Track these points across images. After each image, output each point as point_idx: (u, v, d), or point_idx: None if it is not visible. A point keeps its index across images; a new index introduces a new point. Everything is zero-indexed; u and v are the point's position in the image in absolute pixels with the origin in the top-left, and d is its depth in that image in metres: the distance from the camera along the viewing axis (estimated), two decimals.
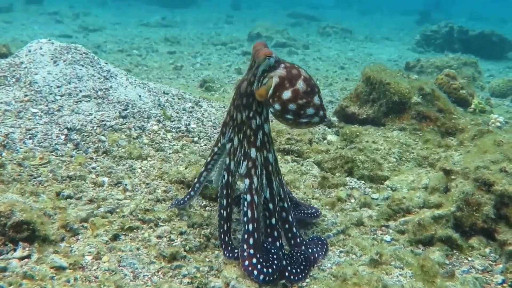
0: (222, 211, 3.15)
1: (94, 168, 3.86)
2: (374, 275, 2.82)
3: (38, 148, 3.95)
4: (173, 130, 4.63)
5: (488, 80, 10.21)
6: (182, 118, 4.90)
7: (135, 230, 3.20)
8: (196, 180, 3.41)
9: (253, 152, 2.96)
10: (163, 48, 12.72)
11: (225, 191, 3.13)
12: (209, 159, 3.32)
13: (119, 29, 16.60)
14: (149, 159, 4.16)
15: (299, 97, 2.68)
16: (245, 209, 2.95)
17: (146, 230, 3.22)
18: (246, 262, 2.83)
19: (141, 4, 26.18)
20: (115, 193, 3.57)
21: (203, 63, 11.15)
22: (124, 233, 3.15)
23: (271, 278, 2.79)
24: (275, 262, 2.85)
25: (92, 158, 4.00)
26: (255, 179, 2.95)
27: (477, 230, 3.34)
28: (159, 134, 4.52)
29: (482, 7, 28.43)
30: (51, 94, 4.42)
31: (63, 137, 4.10)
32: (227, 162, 3.13)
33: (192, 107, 5.22)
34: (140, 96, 4.85)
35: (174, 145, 4.47)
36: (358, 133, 4.85)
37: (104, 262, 2.85)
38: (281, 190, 3.15)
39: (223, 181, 3.15)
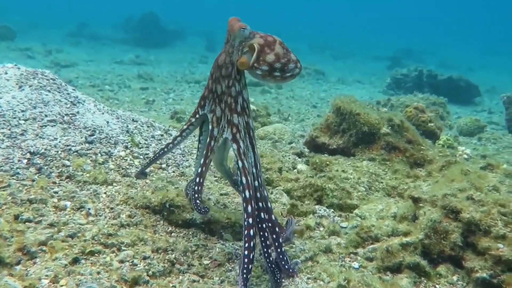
0: (199, 168, 3.21)
1: (56, 192, 3.74)
2: None
3: None
4: (141, 157, 4.55)
5: (456, 120, 10.44)
6: (150, 145, 4.82)
7: (96, 254, 3.09)
8: (170, 141, 3.55)
9: (235, 118, 3.16)
10: (135, 84, 12.71)
11: (205, 152, 3.23)
12: (185, 127, 3.47)
13: (91, 65, 16.56)
14: (114, 184, 4.06)
15: (281, 57, 3.07)
16: (239, 177, 3.10)
17: (108, 254, 3.12)
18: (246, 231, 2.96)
19: (115, 44, 26.28)
20: (77, 218, 3.45)
21: (175, 98, 11.17)
22: (85, 257, 3.04)
23: None
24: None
25: (55, 183, 3.88)
26: (241, 143, 3.15)
27: (445, 258, 3.33)
28: (126, 160, 4.43)
29: (450, 56, 29.41)
30: (14, 118, 4.31)
31: (25, 161, 3.97)
32: (210, 128, 3.26)
33: (161, 135, 5.15)
34: (108, 122, 4.77)
35: None
36: (328, 162, 4.84)
37: (62, 286, 2.73)
38: (258, 164, 3.32)
39: (205, 143, 3.30)
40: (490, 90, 16.88)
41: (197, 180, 3.16)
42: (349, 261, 3.47)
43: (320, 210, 4.22)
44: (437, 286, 3.19)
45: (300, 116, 9.70)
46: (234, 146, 3.15)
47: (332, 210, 4.25)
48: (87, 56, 19.64)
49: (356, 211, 4.17)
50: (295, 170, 4.99)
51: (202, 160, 3.22)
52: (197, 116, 3.37)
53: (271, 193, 4.41)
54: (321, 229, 3.94)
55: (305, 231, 3.83)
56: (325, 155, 5.35)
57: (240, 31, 3.12)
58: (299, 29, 41.37)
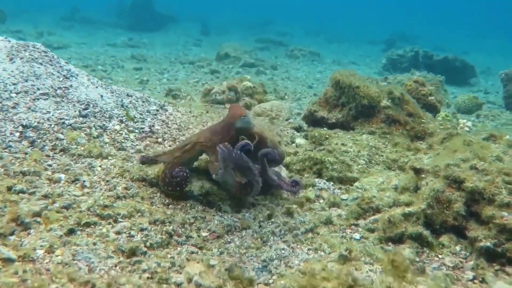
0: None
1: (50, 165, 3.65)
2: (344, 269, 2.69)
3: None
4: (136, 131, 4.46)
5: (453, 99, 10.36)
6: (146, 119, 4.73)
7: (92, 226, 3.02)
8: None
9: None
10: (129, 65, 12.51)
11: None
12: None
13: (84, 48, 16.28)
14: (109, 157, 3.97)
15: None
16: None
17: (105, 226, 3.05)
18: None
19: (108, 28, 25.89)
20: (72, 190, 3.37)
21: (170, 78, 11.01)
22: (81, 228, 2.98)
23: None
24: None
25: (48, 156, 3.79)
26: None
27: (448, 228, 3.26)
28: (121, 134, 4.34)
29: (445, 40, 29.26)
30: (6, 91, 4.20)
31: (17, 134, 3.88)
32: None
33: (157, 110, 5.06)
34: (102, 96, 4.66)
35: (137, 145, 4.29)
36: (327, 136, 4.76)
37: (57, 256, 2.67)
38: None
39: None
40: (485, 71, 16.79)
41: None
42: (350, 232, 3.41)
43: (319, 183, 4.14)
44: (439, 256, 3.13)
45: (297, 95, 9.58)
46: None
47: (332, 183, 4.17)
48: (79, 39, 19.33)
49: (356, 183, 4.09)
50: (294, 144, 4.91)
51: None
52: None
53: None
54: (321, 201, 3.87)
55: (305, 203, 3.77)
56: (324, 129, 5.26)
57: (241, 119, 3.55)
58: (294, 13, 41.06)
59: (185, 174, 3.52)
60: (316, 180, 4.17)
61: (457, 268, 3.02)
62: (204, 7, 37.08)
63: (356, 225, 3.49)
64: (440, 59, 14.65)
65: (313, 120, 5.60)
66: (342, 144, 4.59)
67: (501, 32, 37.74)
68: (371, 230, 3.38)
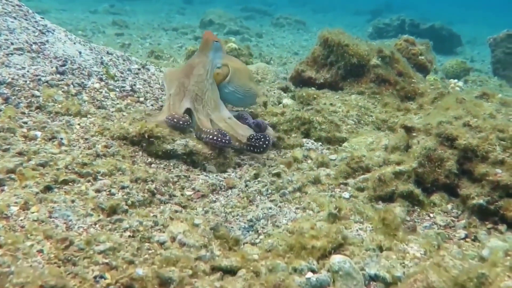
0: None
1: (25, 122, 3.46)
2: (333, 228, 2.59)
3: None
4: (117, 89, 4.28)
5: (441, 65, 10.26)
6: (127, 78, 4.54)
7: (70, 183, 2.86)
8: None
9: (199, 99, 3.90)
10: (110, 31, 12.19)
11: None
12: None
13: (64, 14, 15.83)
14: (89, 116, 3.80)
15: (245, 85, 4.07)
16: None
17: (83, 183, 2.90)
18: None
19: None
20: (49, 147, 3.20)
21: (152, 43, 10.75)
22: (58, 186, 2.82)
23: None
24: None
25: (24, 113, 3.60)
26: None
27: (439, 186, 3.18)
28: (101, 92, 4.15)
29: (430, 11, 29.04)
30: None
31: None
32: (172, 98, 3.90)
33: (139, 69, 4.86)
34: (80, 52, 4.45)
35: (118, 104, 4.11)
36: (315, 96, 4.62)
37: (33, 213, 2.52)
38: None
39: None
40: (471, 41, 16.74)
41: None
42: (339, 191, 3.30)
43: (307, 143, 4.02)
44: (431, 215, 3.05)
45: (282, 60, 9.40)
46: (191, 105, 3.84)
47: (320, 143, 4.06)
48: (59, 5, 18.78)
49: (345, 144, 3.98)
50: (281, 105, 4.76)
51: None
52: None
53: None
54: (309, 161, 3.76)
55: (293, 163, 3.65)
56: (312, 89, 5.10)
57: (214, 44, 4.06)
58: None
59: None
60: (304, 140, 4.04)
61: (448, 226, 2.95)
62: None
63: (345, 184, 3.38)
64: (427, 28, 14.56)
65: (300, 81, 5.43)
66: (331, 104, 4.46)
67: (487, 2, 37.63)
68: (361, 189, 3.28)
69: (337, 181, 3.39)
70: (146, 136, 3.45)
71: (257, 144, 3.59)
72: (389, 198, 3.13)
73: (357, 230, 2.78)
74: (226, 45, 7.08)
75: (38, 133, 3.34)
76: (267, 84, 5.71)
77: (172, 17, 18.67)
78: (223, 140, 3.51)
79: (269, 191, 3.24)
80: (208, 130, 3.58)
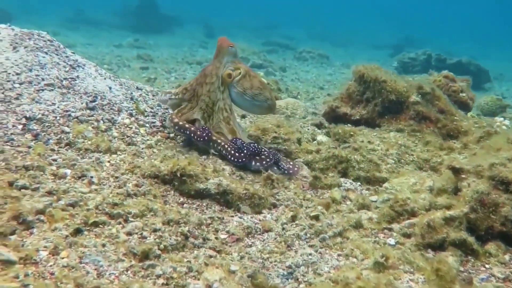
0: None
1: (55, 160, 3.36)
2: (382, 278, 2.39)
3: None
4: (147, 125, 4.17)
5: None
6: (156, 114, 4.44)
7: (101, 225, 2.73)
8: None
9: (209, 111, 4.01)
10: (135, 64, 12.28)
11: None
12: (166, 91, 4.36)
13: (90, 48, 16.07)
14: (119, 153, 3.68)
15: (254, 88, 4.03)
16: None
17: (114, 225, 2.76)
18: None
19: (113, 30, 25.68)
20: (79, 186, 3.08)
21: (177, 77, 10.75)
22: (88, 228, 2.69)
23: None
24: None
25: (53, 150, 3.50)
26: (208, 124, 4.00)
27: (494, 234, 2.94)
28: (131, 128, 4.05)
29: (452, 46, 28.90)
30: (8, 81, 3.91)
31: (20, 126, 3.59)
32: (182, 107, 4.06)
33: (166, 109, 4.76)
34: (110, 88, 4.37)
35: (148, 140, 4.00)
36: (351, 133, 4.45)
37: (63, 258, 2.38)
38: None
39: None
40: (498, 78, 16.48)
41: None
42: (384, 237, 3.09)
43: (345, 183, 3.83)
44: (486, 265, 2.82)
45: (310, 95, 9.28)
46: (202, 122, 3.97)
47: (359, 183, 3.86)
48: (84, 39, 19.15)
49: (386, 184, 3.77)
50: (315, 142, 4.60)
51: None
52: (178, 96, 4.12)
53: None
54: (348, 202, 3.57)
55: (331, 205, 3.46)
56: (348, 125, 4.93)
57: (228, 49, 4.01)
58: (298, 17, 40.82)
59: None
60: (342, 179, 3.85)
61: (508, 280, 2.71)
62: (207, 10, 36.84)
63: (390, 229, 3.17)
64: (454, 63, 14.35)
65: (334, 117, 5.27)
66: (369, 142, 4.27)
67: (509, 38, 37.39)
68: (407, 235, 3.07)
69: (380, 226, 3.18)
70: (178, 175, 3.32)
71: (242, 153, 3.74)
72: (439, 246, 2.91)
73: (407, 281, 2.58)
74: None
75: (68, 171, 3.23)
76: (298, 119, 5.57)
77: (195, 50, 18.83)
78: (204, 134, 3.75)
79: (308, 235, 3.05)
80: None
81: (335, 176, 3.85)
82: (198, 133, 3.78)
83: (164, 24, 26.95)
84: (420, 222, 3.00)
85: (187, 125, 3.83)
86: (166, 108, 4.62)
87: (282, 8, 47.32)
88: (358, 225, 3.17)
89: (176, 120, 3.86)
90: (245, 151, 3.73)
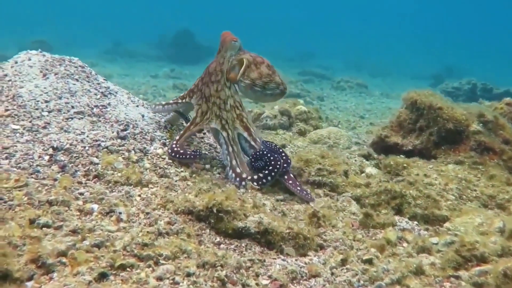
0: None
1: (82, 193, 3.10)
2: None
3: (14, 169, 3.19)
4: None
5: None
6: (191, 143, 4.17)
7: (128, 269, 2.41)
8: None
9: (224, 114, 3.82)
10: (171, 94, 12.17)
11: (184, 129, 3.90)
12: (171, 101, 4.19)
13: (126, 78, 16.15)
14: (150, 185, 3.40)
15: (263, 76, 3.73)
16: (228, 161, 3.75)
17: (143, 269, 2.43)
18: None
19: (150, 60, 25.97)
20: (106, 224, 2.79)
21: None
22: (114, 272, 2.37)
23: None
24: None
25: (80, 183, 3.24)
26: (229, 132, 3.80)
27: None
28: (164, 158, 3.77)
29: (494, 74, 28.05)
30: (37, 109, 3.71)
31: (47, 157, 3.36)
32: (194, 116, 3.97)
33: (204, 133, 4.49)
34: (143, 116, 4.13)
35: (182, 171, 3.71)
36: (405, 165, 4.03)
37: None
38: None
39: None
40: None
41: (175, 142, 3.78)
42: (450, 286, 2.68)
43: (401, 221, 3.41)
44: None
45: (351, 124, 8.91)
46: (224, 134, 3.78)
47: (416, 222, 3.44)
48: (121, 70, 19.34)
49: (447, 224, 3.33)
50: (364, 174, 4.21)
51: (181, 132, 3.87)
52: (185, 100, 4.03)
53: (337, 200, 3.67)
54: (405, 245, 3.15)
55: (386, 247, 3.05)
56: (401, 156, 4.50)
57: (231, 43, 3.81)
58: (333, 47, 40.62)
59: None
60: (396, 218, 3.44)
61: None
62: (242, 39, 37.05)
63: (457, 277, 2.74)
64: (501, 92, 13.72)
65: (384, 147, 4.86)
66: (425, 175, 3.85)
67: None
68: (479, 285, 2.63)
69: (445, 273, 2.76)
70: (215, 210, 2.99)
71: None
72: None
73: None
74: (294, 108, 6.68)
75: (95, 206, 2.95)
76: (341, 149, 5.21)
77: None
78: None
79: (362, 282, 2.66)
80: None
81: (388, 213, 3.44)
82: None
83: (200, 54, 27.11)
84: (494, 270, 2.58)
85: (181, 151, 3.74)
86: (202, 137, 4.35)
87: (317, 38, 47.29)
88: (419, 272, 2.76)
89: (175, 149, 3.75)
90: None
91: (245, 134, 3.82)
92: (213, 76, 3.84)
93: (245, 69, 3.72)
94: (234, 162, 3.71)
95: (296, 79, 18.04)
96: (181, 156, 3.70)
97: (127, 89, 12.26)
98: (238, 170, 3.66)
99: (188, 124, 3.90)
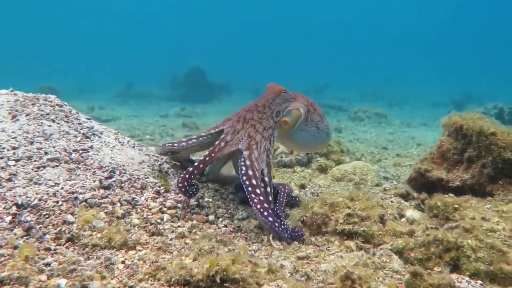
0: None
1: (48, 264, 2.40)
2: None
3: None
4: (178, 206, 3.18)
5: None
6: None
7: None
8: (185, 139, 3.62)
9: (258, 137, 3.39)
10: (179, 133, 11.54)
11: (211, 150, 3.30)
12: (203, 133, 3.60)
13: (135, 120, 15.63)
14: (138, 247, 2.70)
15: (322, 116, 3.74)
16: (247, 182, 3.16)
17: None
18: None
19: (161, 101, 25.60)
20: None
21: None
22: None
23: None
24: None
25: (48, 249, 2.56)
26: (256, 152, 3.31)
27: None
28: (157, 211, 3.07)
29: None
30: (1, 158, 3.06)
31: (8, 218, 2.69)
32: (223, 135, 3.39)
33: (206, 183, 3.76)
34: (133, 159, 3.45)
35: (179, 226, 3.00)
36: (456, 206, 3.25)
37: None
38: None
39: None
40: None
41: (191, 169, 3.13)
42: None
43: (460, 281, 2.60)
44: None
45: (375, 156, 8.14)
46: (246, 153, 3.25)
47: (479, 281, 2.63)
48: (131, 112, 18.90)
49: None
50: (404, 219, 3.43)
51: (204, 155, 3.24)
52: (217, 130, 3.50)
53: (373, 254, 2.90)
54: None
55: None
56: (450, 195, 3.72)
57: (282, 95, 3.59)
58: (348, 78, 40.17)
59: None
60: (454, 277, 2.63)
61: None
62: (255, 75, 36.73)
63: None
64: None
65: (424, 184, 4.05)
66: (483, 219, 3.06)
67: None
68: None
69: None
70: (218, 280, 2.26)
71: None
72: None
73: None
74: None
75: (62, 283, 2.24)
76: (370, 187, 4.46)
77: None
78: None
79: None
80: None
81: (443, 271, 2.65)
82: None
83: (212, 92, 26.74)
84: None
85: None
86: (205, 183, 3.64)
87: (331, 69, 47.05)
88: None
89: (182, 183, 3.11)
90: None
91: (265, 171, 3.31)
92: (260, 108, 3.54)
93: (305, 115, 3.58)
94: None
95: None
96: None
97: (134, 130, 11.74)
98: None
99: (211, 149, 3.29)
